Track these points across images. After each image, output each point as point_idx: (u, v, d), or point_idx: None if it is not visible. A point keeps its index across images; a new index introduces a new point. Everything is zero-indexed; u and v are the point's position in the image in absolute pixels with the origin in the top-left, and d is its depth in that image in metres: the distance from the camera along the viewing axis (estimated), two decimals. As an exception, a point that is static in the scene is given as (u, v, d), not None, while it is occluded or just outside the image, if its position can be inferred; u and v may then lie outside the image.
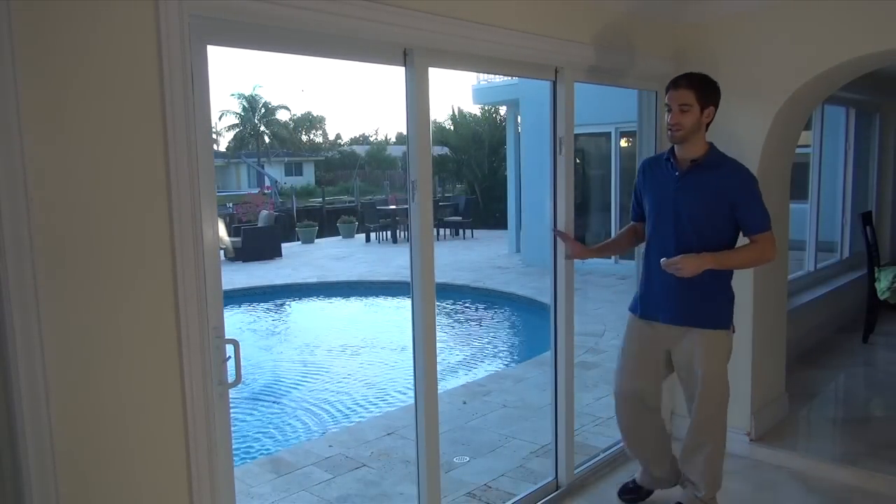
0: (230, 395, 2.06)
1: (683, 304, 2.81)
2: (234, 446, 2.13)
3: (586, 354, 6.02)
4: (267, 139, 36.44)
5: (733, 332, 2.91)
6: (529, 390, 5.09)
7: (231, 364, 2.01)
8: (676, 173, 2.79)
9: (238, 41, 2.08)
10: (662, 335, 2.90)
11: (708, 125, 2.76)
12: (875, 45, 3.16)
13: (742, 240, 2.84)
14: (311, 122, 42.48)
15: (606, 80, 3.51)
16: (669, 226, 2.80)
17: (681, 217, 2.77)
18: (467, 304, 9.63)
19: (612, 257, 10.33)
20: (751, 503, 3.26)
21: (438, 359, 2.76)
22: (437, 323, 2.72)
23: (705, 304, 2.81)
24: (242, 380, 2.08)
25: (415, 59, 2.48)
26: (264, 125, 36.22)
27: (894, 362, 5.35)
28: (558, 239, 3.18)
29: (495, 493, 3.42)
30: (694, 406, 2.88)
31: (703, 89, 2.71)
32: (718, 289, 2.84)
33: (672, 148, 2.83)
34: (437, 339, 2.73)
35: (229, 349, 2.01)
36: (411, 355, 2.70)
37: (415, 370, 2.68)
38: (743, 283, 3.63)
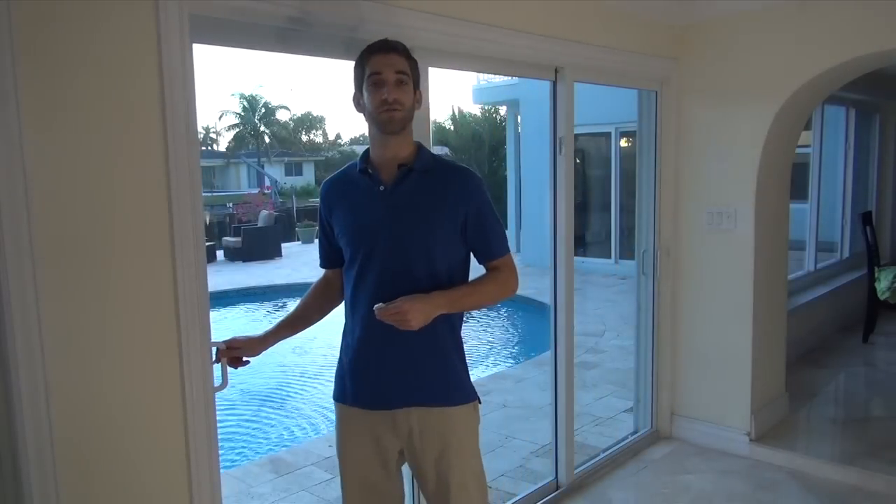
0: (232, 396, 2.05)
1: (418, 371, 1.90)
2: (234, 447, 2.13)
3: (586, 354, 6.02)
4: (267, 139, 36.43)
5: (479, 402, 2.02)
6: (529, 390, 5.09)
7: (217, 367, 1.98)
8: (381, 187, 1.89)
9: (229, 40, 2.06)
10: (393, 426, 1.93)
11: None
12: (875, 45, 3.16)
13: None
14: (311, 122, 42.49)
15: (606, 79, 3.51)
16: (384, 261, 1.88)
17: (399, 245, 1.87)
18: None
19: (612, 258, 10.39)
20: (751, 503, 3.25)
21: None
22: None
23: (446, 369, 1.94)
24: (229, 383, 2.02)
25: (412, 60, 2.48)
26: (264, 125, 36.21)
27: (894, 362, 5.35)
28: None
29: (495, 493, 3.42)
30: None
31: (415, 63, 1.92)
32: (454, 345, 1.97)
33: (365, 155, 1.95)
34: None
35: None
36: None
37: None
38: (743, 283, 3.65)
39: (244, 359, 2.02)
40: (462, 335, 2.03)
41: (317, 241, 2.18)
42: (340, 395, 2.01)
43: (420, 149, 1.95)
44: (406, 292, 1.81)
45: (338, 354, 2.07)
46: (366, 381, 1.95)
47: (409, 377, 1.90)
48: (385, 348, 1.90)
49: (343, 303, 2.05)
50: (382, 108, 1.83)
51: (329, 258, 2.08)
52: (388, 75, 1.82)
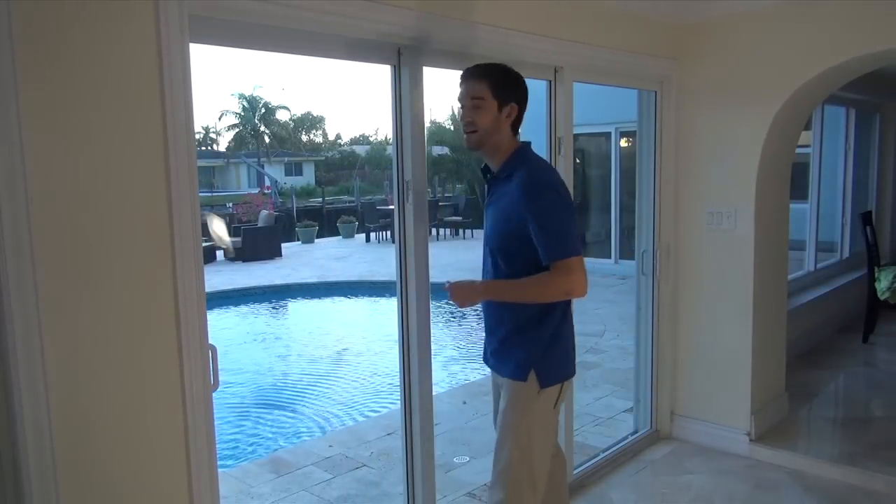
0: (232, 396, 2.06)
1: (491, 344, 2.32)
2: (232, 447, 2.13)
3: (586, 354, 6.02)
4: (267, 139, 36.45)
5: (544, 387, 2.17)
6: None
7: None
8: (486, 186, 2.32)
9: (226, 39, 2.05)
10: (496, 384, 2.38)
11: (515, 127, 2.20)
12: (875, 45, 3.16)
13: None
14: (311, 122, 42.51)
15: (606, 79, 3.51)
16: (484, 249, 2.29)
17: (488, 239, 2.26)
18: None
19: (612, 258, 10.42)
20: (750, 503, 3.25)
21: (440, 359, 2.75)
22: (435, 323, 2.70)
23: (504, 347, 2.25)
24: (220, 385, 2.03)
25: (409, 59, 2.47)
26: (264, 125, 36.22)
27: (894, 362, 5.35)
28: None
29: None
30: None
31: (501, 81, 2.17)
32: (515, 329, 2.21)
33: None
34: (437, 339, 2.72)
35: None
36: (398, 355, 2.68)
37: (407, 368, 2.67)
38: (743, 283, 3.65)
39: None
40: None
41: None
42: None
43: (515, 152, 2.21)
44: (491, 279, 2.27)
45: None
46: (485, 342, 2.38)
47: (490, 347, 2.33)
48: (485, 322, 2.35)
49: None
50: (464, 129, 2.19)
51: None
52: (465, 101, 2.17)
